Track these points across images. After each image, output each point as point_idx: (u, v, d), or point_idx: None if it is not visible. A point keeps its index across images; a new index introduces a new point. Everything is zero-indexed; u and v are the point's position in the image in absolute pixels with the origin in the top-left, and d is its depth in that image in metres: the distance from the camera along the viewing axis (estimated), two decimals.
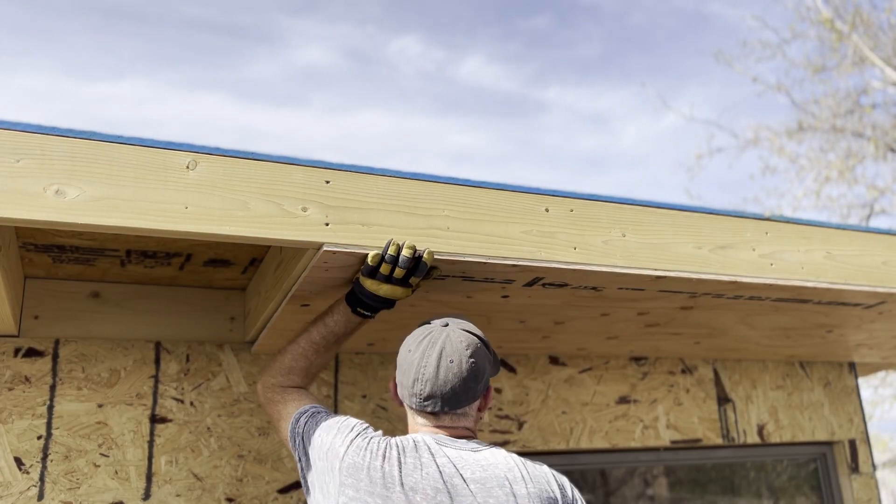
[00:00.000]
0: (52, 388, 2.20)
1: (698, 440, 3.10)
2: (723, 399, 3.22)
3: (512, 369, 2.84)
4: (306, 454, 1.65)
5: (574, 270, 1.90)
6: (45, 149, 1.49)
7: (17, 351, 2.20)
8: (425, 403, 1.60)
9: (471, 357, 1.61)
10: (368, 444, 1.56)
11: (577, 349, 2.87)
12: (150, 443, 2.25)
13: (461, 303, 2.12)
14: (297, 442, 1.67)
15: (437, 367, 1.59)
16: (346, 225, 1.68)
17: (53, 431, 2.17)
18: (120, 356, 2.30)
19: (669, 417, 3.07)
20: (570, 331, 2.55)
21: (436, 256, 1.74)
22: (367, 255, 1.69)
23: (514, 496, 1.51)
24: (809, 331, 2.80)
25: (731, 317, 2.50)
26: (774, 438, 3.27)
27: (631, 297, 2.18)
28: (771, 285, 2.13)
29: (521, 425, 2.78)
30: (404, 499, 1.48)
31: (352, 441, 1.57)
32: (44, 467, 2.13)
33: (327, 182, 1.69)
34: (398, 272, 1.69)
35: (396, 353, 2.68)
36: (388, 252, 1.67)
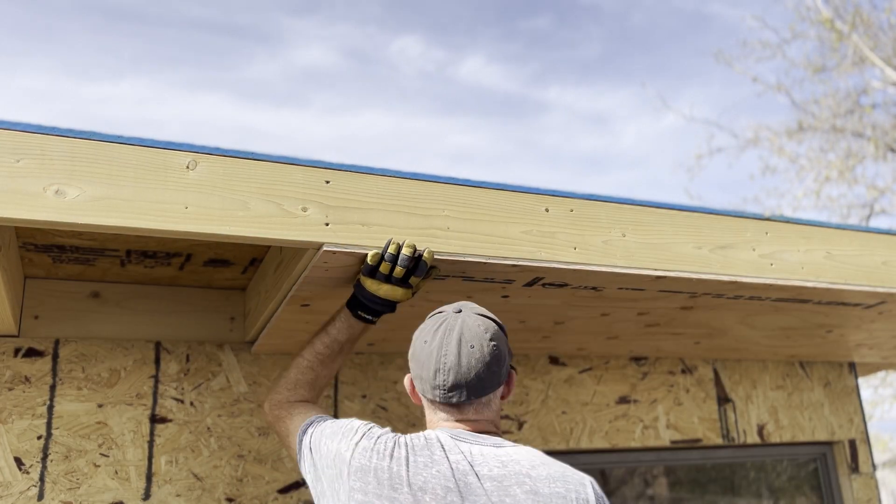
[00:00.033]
0: (52, 388, 2.20)
1: (698, 440, 3.10)
2: (723, 399, 3.21)
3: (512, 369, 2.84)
4: (314, 465, 1.57)
5: (574, 270, 1.90)
6: (45, 149, 1.49)
7: (17, 351, 2.20)
8: (450, 395, 1.50)
9: (491, 340, 1.53)
10: (375, 444, 1.48)
11: (577, 349, 2.87)
12: (150, 443, 2.25)
13: None
14: (304, 454, 1.61)
15: (459, 354, 1.49)
16: (346, 225, 1.68)
17: (53, 431, 2.17)
18: (120, 356, 2.30)
19: (669, 417, 3.07)
20: (570, 331, 2.55)
21: (436, 256, 1.74)
22: (366, 254, 1.69)
23: (536, 494, 1.40)
24: (809, 331, 2.80)
25: (731, 317, 2.50)
26: (774, 438, 3.27)
27: (631, 297, 2.18)
28: (771, 285, 2.13)
29: (521, 425, 2.78)
30: (412, 499, 1.40)
31: (357, 444, 1.50)
32: (44, 467, 2.13)
33: (327, 182, 1.69)
34: (398, 271, 1.68)
35: (396, 353, 2.70)
36: (388, 251, 1.67)
